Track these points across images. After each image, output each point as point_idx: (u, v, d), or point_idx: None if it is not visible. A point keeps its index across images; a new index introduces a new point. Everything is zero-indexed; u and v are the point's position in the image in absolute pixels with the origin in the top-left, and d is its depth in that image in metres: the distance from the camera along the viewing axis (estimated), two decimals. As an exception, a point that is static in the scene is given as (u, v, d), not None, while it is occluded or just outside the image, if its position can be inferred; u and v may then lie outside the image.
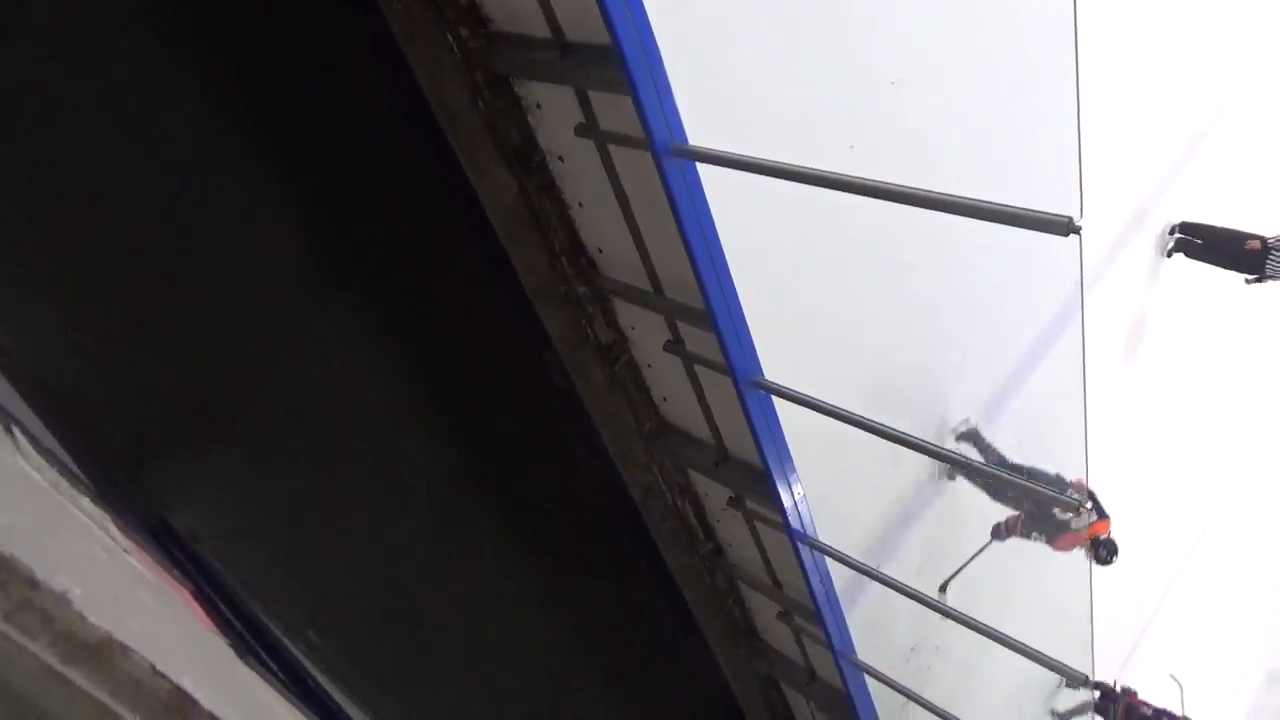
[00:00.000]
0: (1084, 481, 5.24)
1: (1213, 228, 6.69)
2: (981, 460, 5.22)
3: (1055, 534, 5.26)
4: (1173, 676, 8.69)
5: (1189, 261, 6.80)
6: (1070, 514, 5.24)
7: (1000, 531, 5.31)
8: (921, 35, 3.79)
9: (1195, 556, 9.14)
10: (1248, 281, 6.54)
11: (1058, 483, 5.29)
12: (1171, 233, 6.74)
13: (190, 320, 4.16)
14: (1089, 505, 5.25)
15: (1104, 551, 5.84)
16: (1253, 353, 8.91)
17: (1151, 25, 5.69)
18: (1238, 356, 8.59)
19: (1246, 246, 6.43)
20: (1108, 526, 5.47)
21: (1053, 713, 6.81)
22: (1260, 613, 11.97)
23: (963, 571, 5.38)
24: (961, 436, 5.23)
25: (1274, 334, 8.99)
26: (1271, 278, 6.39)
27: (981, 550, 5.09)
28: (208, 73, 3.92)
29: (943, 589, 5.22)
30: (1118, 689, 7.62)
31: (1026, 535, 5.31)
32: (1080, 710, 6.97)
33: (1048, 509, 5.22)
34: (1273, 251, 6.32)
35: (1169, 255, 6.81)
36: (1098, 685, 7.57)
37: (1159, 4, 5.75)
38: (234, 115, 3.99)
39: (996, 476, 5.23)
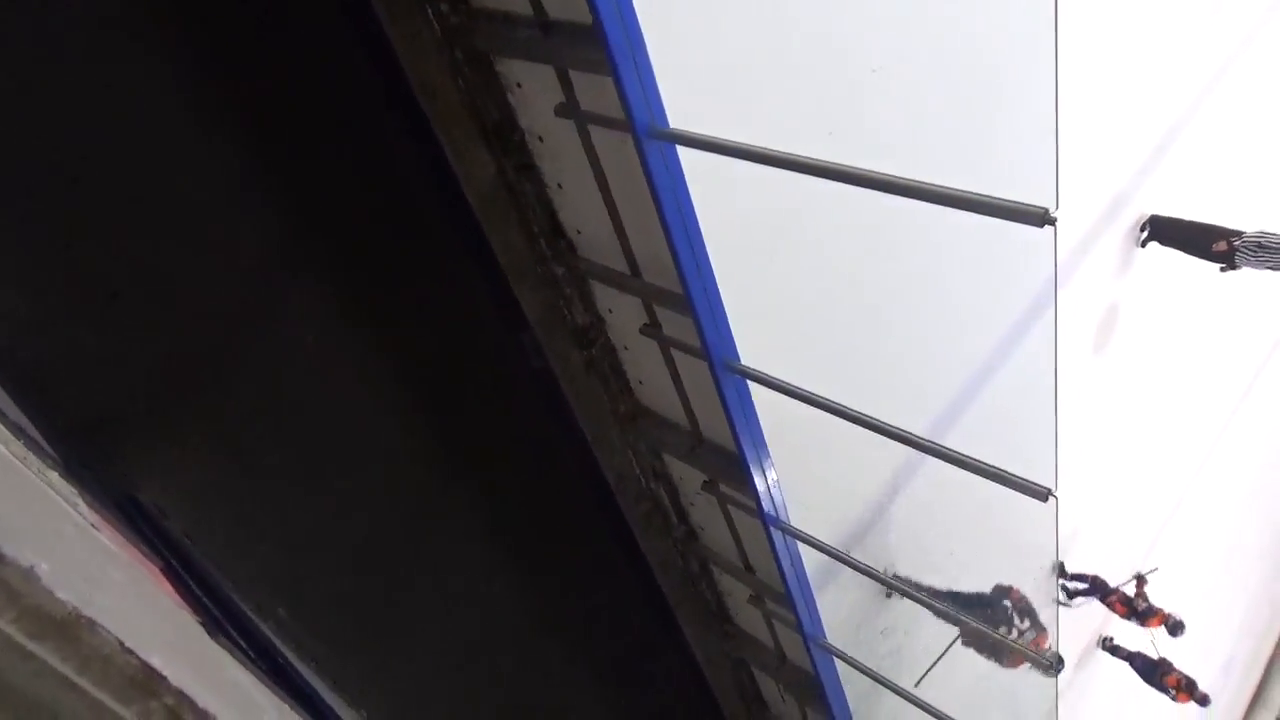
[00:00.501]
0: (1020, 591, 5.35)
1: (1183, 222, 6.76)
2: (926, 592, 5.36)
3: (1003, 655, 5.42)
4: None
5: (1162, 252, 6.88)
6: (1012, 638, 5.50)
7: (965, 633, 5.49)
8: (903, 23, 3.80)
9: (1158, 547, 9.29)
10: (1222, 270, 6.64)
11: (998, 594, 5.39)
12: (1143, 228, 6.81)
13: (162, 298, 4.11)
14: (1026, 625, 5.41)
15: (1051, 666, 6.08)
16: (1224, 346, 9.04)
17: (1129, 18, 5.72)
18: (1209, 350, 8.71)
19: (1214, 249, 6.54)
20: (1045, 640, 5.61)
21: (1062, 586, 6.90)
22: (1219, 605, 12.24)
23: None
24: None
25: (1245, 326, 9.13)
26: (1242, 266, 6.49)
27: (951, 645, 5.22)
28: (181, 48, 3.85)
29: (917, 685, 5.34)
30: (1133, 578, 7.74)
31: (981, 652, 5.47)
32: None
33: (988, 636, 5.38)
34: (1239, 250, 6.41)
35: (1143, 245, 6.88)
36: (1092, 579, 7.66)
37: (1138, -2, 5.79)
38: (208, 91, 3.93)
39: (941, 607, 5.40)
